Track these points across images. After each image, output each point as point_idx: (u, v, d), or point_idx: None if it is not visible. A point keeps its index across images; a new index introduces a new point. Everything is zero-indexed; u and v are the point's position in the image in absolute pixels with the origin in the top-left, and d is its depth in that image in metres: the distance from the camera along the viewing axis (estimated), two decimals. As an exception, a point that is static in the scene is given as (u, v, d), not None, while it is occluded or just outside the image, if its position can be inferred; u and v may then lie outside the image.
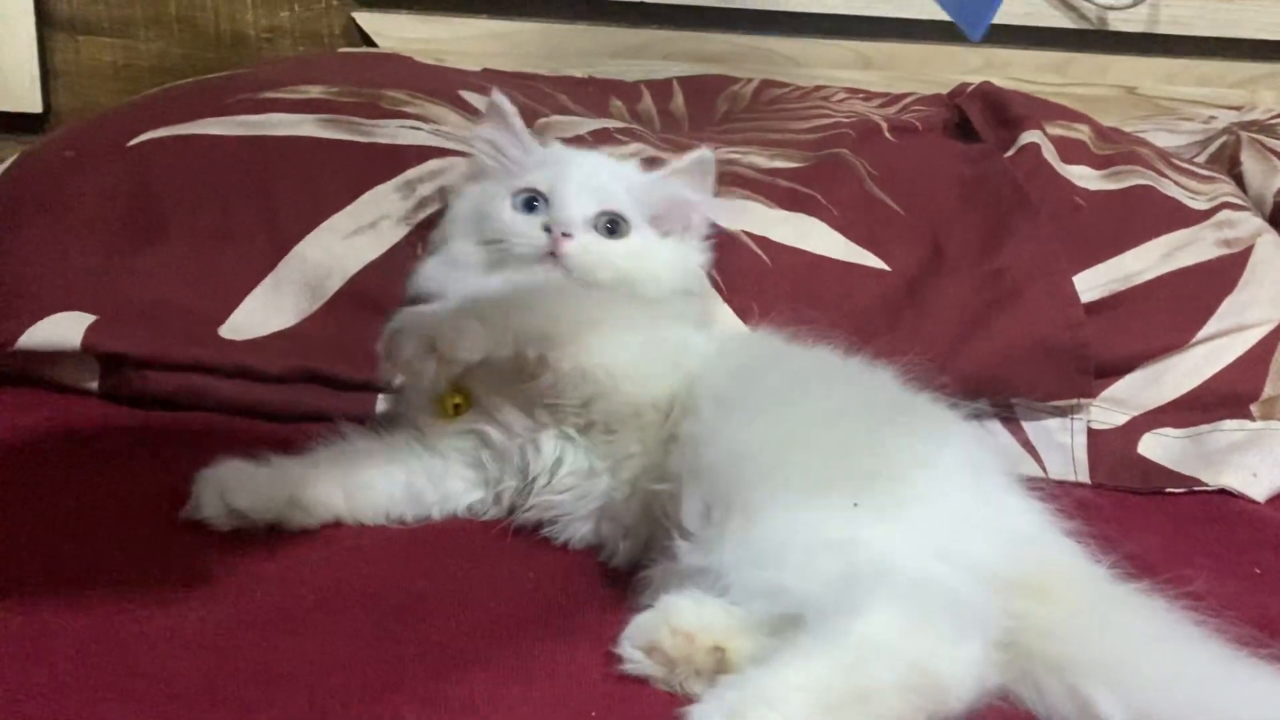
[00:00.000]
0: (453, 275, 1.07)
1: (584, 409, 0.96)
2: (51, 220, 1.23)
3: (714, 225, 1.17)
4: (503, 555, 0.93)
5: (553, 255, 1.02)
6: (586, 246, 1.03)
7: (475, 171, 1.15)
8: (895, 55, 1.97)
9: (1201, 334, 1.30)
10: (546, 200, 1.06)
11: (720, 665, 0.73)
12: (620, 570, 0.93)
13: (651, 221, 1.10)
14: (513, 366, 0.93)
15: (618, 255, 1.05)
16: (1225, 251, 1.36)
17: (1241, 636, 0.76)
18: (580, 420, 0.96)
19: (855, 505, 0.78)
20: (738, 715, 0.64)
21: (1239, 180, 1.60)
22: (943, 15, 1.89)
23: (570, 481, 0.97)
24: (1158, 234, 1.35)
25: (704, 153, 1.14)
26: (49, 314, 1.15)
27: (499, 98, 1.15)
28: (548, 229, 1.03)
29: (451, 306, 0.94)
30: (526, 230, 1.04)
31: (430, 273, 1.09)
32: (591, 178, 1.08)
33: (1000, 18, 1.97)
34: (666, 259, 1.09)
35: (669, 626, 0.74)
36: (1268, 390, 1.29)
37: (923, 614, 0.69)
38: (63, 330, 1.14)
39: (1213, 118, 1.86)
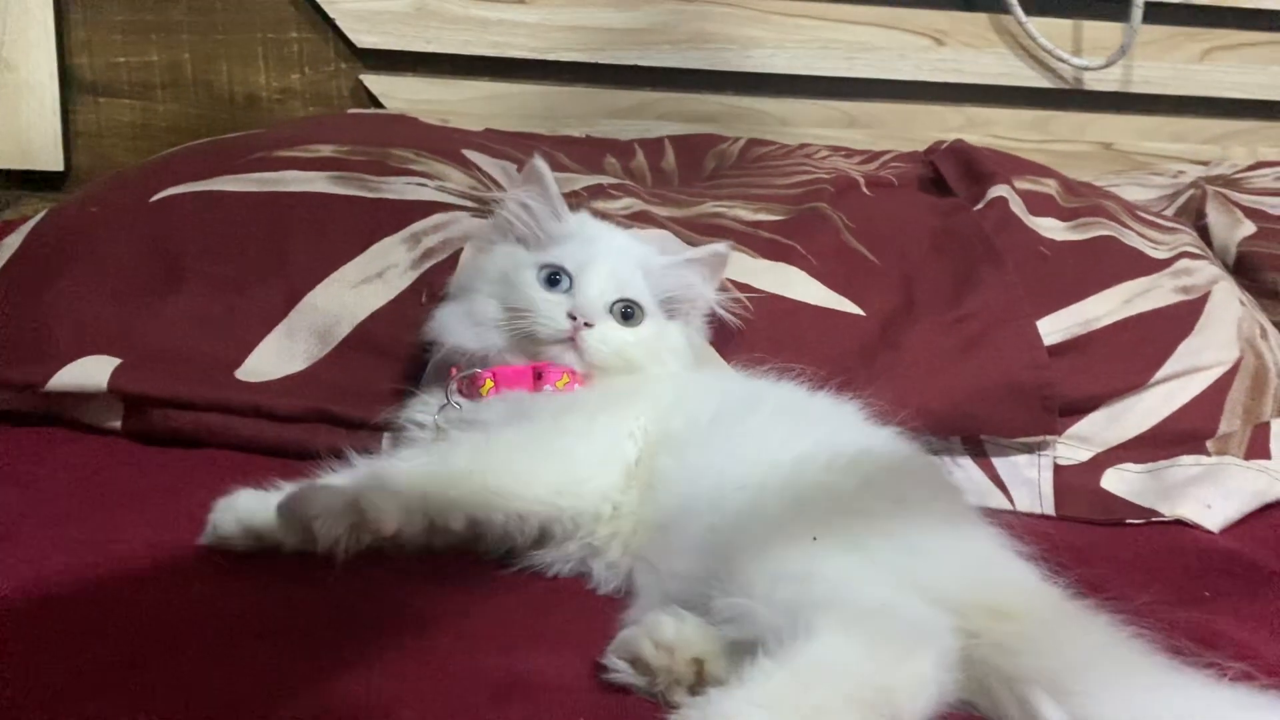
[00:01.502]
0: (472, 330, 1.12)
1: (542, 534, 0.98)
2: (80, 271, 1.28)
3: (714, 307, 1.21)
4: (497, 579, 0.97)
5: (571, 340, 1.07)
6: (604, 336, 1.07)
7: (503, 230, 1.18)
8: (879, 114, 2.04)
9: (1160, 375, 1.34)
10: (571, 279, 1.10)
11: (699, 676, 0.78)
12: (605, 594, 0.97)
13: (661, 303, 1.14)
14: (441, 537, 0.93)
15: (629, 343, 1.09)
16: (1183, 298, 1.41)
17: (1180, 649, 0.81)
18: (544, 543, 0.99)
19: (814, 539, 0.84)
20: None
21: (1204, 231, 1.67)
22: (925, 76, 2.01)
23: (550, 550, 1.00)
24: (1119, 281, 1.40)
25: (719, 247, 1.18)
26: (77, 358, 1.21)
27: (539, 162, 1.17)
28: (572, 315, 1.07)
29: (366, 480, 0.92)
30: (551, 312, 1.08)
31: (446, 321, 1.14)
32: (616, 264, 1.11)
33: (980, 78, 2.08)
34: (671, 345, 1.13)
35: (651, 640, 0.79)
36: (1222, 427, 1.33)
37: (872, 636, 0.74)
38: (90, 373, 1.20)
39: (1181, 172, 1.93)
